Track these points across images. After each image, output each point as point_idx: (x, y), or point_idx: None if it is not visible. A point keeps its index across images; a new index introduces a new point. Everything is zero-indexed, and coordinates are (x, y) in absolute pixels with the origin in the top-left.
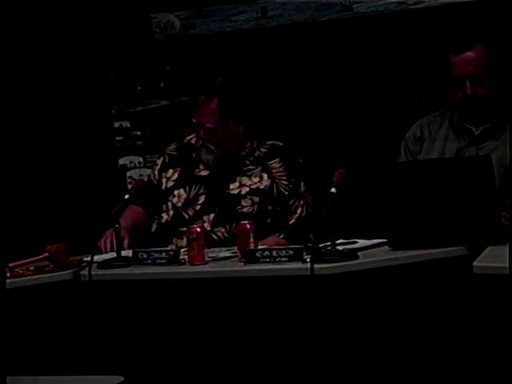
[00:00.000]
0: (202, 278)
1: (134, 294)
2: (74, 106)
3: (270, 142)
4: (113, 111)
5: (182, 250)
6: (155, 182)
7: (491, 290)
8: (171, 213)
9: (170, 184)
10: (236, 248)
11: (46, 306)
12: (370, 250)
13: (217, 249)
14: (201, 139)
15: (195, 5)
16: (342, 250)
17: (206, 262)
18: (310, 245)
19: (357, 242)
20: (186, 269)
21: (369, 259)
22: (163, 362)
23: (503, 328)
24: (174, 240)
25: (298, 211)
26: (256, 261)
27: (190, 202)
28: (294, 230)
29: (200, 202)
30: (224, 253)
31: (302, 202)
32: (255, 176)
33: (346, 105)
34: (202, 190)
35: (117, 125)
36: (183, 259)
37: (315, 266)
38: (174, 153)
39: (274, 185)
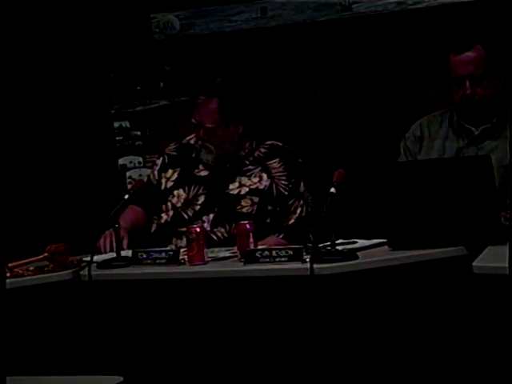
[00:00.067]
0: (202, 278)
1: (134, 294)
2: (74, 105)
3: (269, 142)
4: (112, 111)
5: (182, 250)
6: (155, 182)
7: (491, 290)
8: (171, 213)
9: (170, 184)
10: (236, 248)
11: (45, 306)
12: (369, 250)
13: (216, 249)
14: (200, 139)
15: (195, 5)
16: (342, 250)
17: (206, 262)
18: (310, 245)
19: (356, 242)
20: (186, 269)
21: (368, 259)
22: (163, 362)
23: (503, 328)
24: (174, 240)
25: (298, 211)
26: (256, 261)
27: (189, 203)
28: (294, 230)
29: (199, 202)
30: (224, 253)
31: (301, 201)
32: (255, 176)
33: (345, 105)
34: (201, 191)
35: (116, 125)
36: (183, 259)
37: (315, 266)
38: (174, 153)
39: (274, 185)
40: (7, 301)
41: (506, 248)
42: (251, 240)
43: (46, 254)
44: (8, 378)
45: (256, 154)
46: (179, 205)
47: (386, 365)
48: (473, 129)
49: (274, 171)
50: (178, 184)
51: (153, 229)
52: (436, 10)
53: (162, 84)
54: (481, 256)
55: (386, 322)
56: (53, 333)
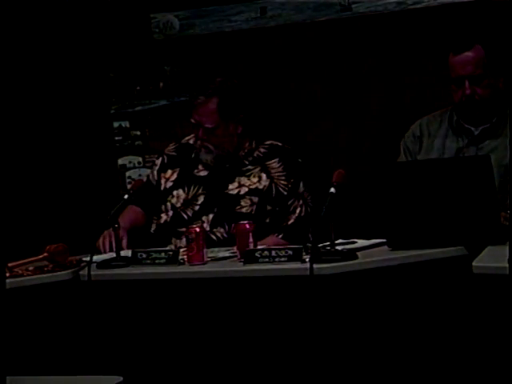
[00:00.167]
0: (201, 278)
1: (133, 294)
2: (74, 105)
3: (268, 142)
4: (112, 111)
5: (182, 250)
6: (154, 182)
7: (490, 290)
8: (170, 213)
9: (169, 184)
10: (235, 248)
11: (45, 306)
12: (369, 250)
13: (216, 249)
14: (200, 139)
15: (194, 5)
16: (341, 250)
17: (205, 262)
18: (309, 245)
19: (356, 242)
20: (185, 269)
21: (368, 259)
22: (162, 362)
23: (503, 328)
24: (173, 240)
25: (297, 211)
26: (255, 261)
27: (188, 203)
28: (293, 230)
29: (199, 202)
30: (223, 253)
31: (300, 201)
32: (254, 176)
33: (345, 105)
34: (200, 191)
35: (116, 125)
36: (182, 259)
37: (314, 265)
38: (173, 153)
39: (273, 185)
40: (7, 301)
41: (506, 248)
42: (251, 240)
43: (45, 254)
44: (8, 378)
45: (255, 154)
46: (179, 205)
47: (386, 365)
48: (472, 129)
49: (273, 171)
50: (177, 184)
51: (152, 229)
52: (436, 10)
53: (161, 84)
54: (480, 256)
55: (385, 322)
56: (52, 333)
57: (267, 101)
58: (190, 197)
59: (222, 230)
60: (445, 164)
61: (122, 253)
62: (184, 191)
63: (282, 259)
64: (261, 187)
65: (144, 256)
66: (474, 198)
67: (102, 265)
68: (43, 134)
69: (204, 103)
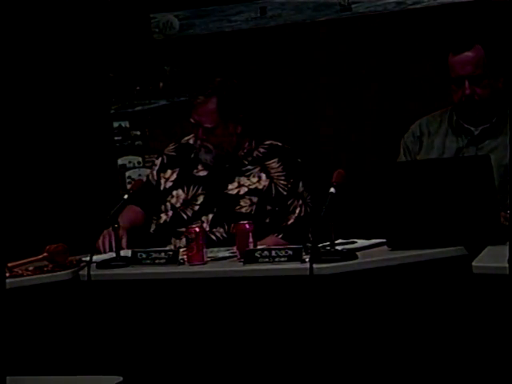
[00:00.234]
0: (201, 278)
1: (133, 294)
2: (73, 105)
3: (268, 142)
4: (112, 111)
5: (181, 250)
6: (154, 182)
7: (490, 290)
8: (170, 213)
9: (169, 185)
10: (235, 248)
11: (44, 306)
12: (368, 250)
13: (216, 249)
14: (199, 139)
15: (194, 5)
16: (341, 250)
17: (205, 262)
18: (309, 245)
19: (356, 242)
20: (185, 269)
21: (368, 259)
22: (162, 362)
23: (503, 328)
24: (173, 240)
25: (297, 211)
26: (255, 261)
27: (188, 203)
28: (293, 230)
29: (199, 202)
30: (223, 253)
31: (300, 201)
32: (254, 176)
33: (344, 105)
34: (200, 191)
35: (116, 125)
36: (182, 259)
37: (314, 265)
38: (173, 153)
39: (273, 185)
40: (7, 301)
41: (506, 248)
42: (250, 240)
43: (45, 254)
44: (8, 378)
45: (255, 154)
46: (178, 205)
47: (386, 364)
48: (472, 129)
49: (272, 171)
50: (177, 184)
51: (152, 229)
52: (435, 10)
53: (161, 84)
54: (480, 256)
55: (385, 322)
56: (52, 333)
57: (267, 101)
58: (189, 197)
59: (221, 230)
60: (445, 164)
61: (122, 253)
62: (184, 191)
63: (282, 259)
64: (260, 187)
65: (144, 256)
66: (473, 198)
67: (102, 265)
68: (43, 134)
69: (203, 103)
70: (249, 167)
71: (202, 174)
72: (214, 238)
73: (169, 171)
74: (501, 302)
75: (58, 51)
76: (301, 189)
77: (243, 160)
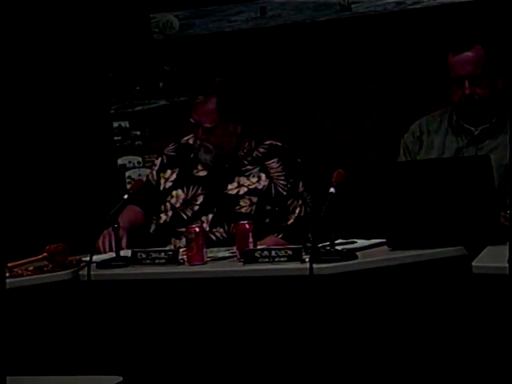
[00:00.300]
0: (201, 278)
1: (133, 294)
2: (73, 105)
3: (268, 142)
4: (112, 111)
5: (181, 249)
6: (153, 182)
7: (490, 290)
8: (170, 213)
9: (169, 185)
10: (235, 248)
11: (44, 306)
12: (368, 250)
13: (215, 249)
14: (199, 139)
15: (194, 5)
16: (341, 250)
17: (205, 262)
18: (309, 245)
19: (356, 242)
20: (185, 269)
21: (368, 259)
22: (162, 362)
23: (503, 328)
24: (173, 240)
25: (297, 211)
26: (255, 261)
27: (188, 203)
28: (293, 230)
29: (198, 202)
30: (223, 253)
31: (300, 201)
32: (253, 176)
33: (344, 105)
34: (200, 191)
35: (116, 125)
36: (182, 259)
37: (314, 265)
38: (173, 153)
39: (272, 185)
40: (7, 301)
41: (506, 248)
42: (250, 240)
43: (45, 254)
44: (8, 378)
45: (255, 154)
46: (178, 205)
47: (386, 364)
48: (472, 129)
49: (272, 171)
50: (176, 184)
51: (151, 229)
52: (435, 10)
53: (161, 84)
54: (480, 256)
55: (385, 322)
56: (52, 333)
57: (267, 101)
58: (189, 197)
59: (221, 230)
60: (444, 164)
61: (122, 253)
62: (183, 191)
63: (282, 259)
64: (260, 187)
65: (144, 256)
66: (473, 198)
67: (102, 265)
68: (43, 134)
69: (203, 103)
70: (248, 167)
71: (202, 174)
72: (213, 238)
73: (168, 171)
74: (501, 301)
75: (57, 51)
76: (301, 189)
77: (243, 160)
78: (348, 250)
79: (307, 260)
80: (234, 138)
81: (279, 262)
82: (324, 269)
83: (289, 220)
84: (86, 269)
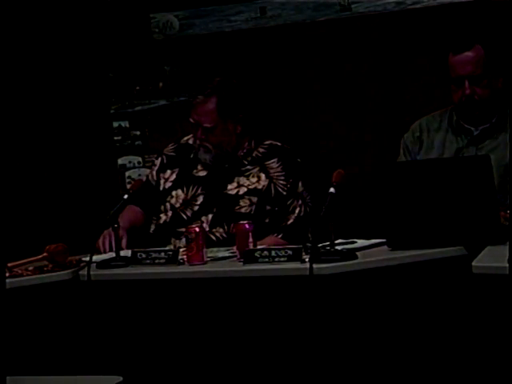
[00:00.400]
0: (201, 278)
1: (133, 294)
2: (73, 105)
3: (267, 142)
4: (112, 111)
5: (181, 249)
6: (153, 182)
7: (490, 289)
8: (169, 214)
9: (168, 185)
10: (235, 248)
11: (44, 306)
12: (368, 250)
13: (215, 249)
14: (198, 139)
15: (194, 5)
16: (341, 250)
17: (205, 262)
18: (309, 245)
19: (356, 242)
20: (185, 269)
21: (368, 259)
22: (162, 362)
23: (503, 328)
24: (173, 241)
25: (296, 211)
26: (255, 261)
27: (188, 203)
28: (293, 230)
29: (198, 202)
30: (223, 253)
31: (300, 201)
32: (253, 176)
33: (344, 105)
34: (199, 191)
35: (116, 125)
36: (182, 259)
37: (314, 265)
38: (172, 153)
39: (272, 185)
40: (6, 301)
41: (506, 248)
42: (250, 240)
43: (45, 254)
44: (8, 378)
45: (254, 154)
46: (178, 205)
47: (386, 364)
48: (472, 129)
49: (272, 171)
50: (176, 184)
51: (151, 229)
52: (435, 10)
53: (161, 84)
54: (480, 256)
55: (385, 322)
56: (52, 333)
57: (266, 101)
58: (189, 197)
59: (221, 230)
60: (444, 164)
61: (122, 253)
62: (183, 191)
63: (282, 259)
64: (260, 187)
65: (143, 256)
66: (473, 198)
67: (102, 265)
68: (43, 134)
69: (203, 103)
70: (248, 167)
71: (202, 174)
72: (213, 238)
73: (168, 171)
74: (501, 301)
75: (57, 51)
76: (300, 189)
77: (243, 160)
78: (348, 250)
79: (307, 260)
80: (234, 138)
81: (279, 261)
82: (324, 269)
83: (288, 220)
84: (85, 269)
